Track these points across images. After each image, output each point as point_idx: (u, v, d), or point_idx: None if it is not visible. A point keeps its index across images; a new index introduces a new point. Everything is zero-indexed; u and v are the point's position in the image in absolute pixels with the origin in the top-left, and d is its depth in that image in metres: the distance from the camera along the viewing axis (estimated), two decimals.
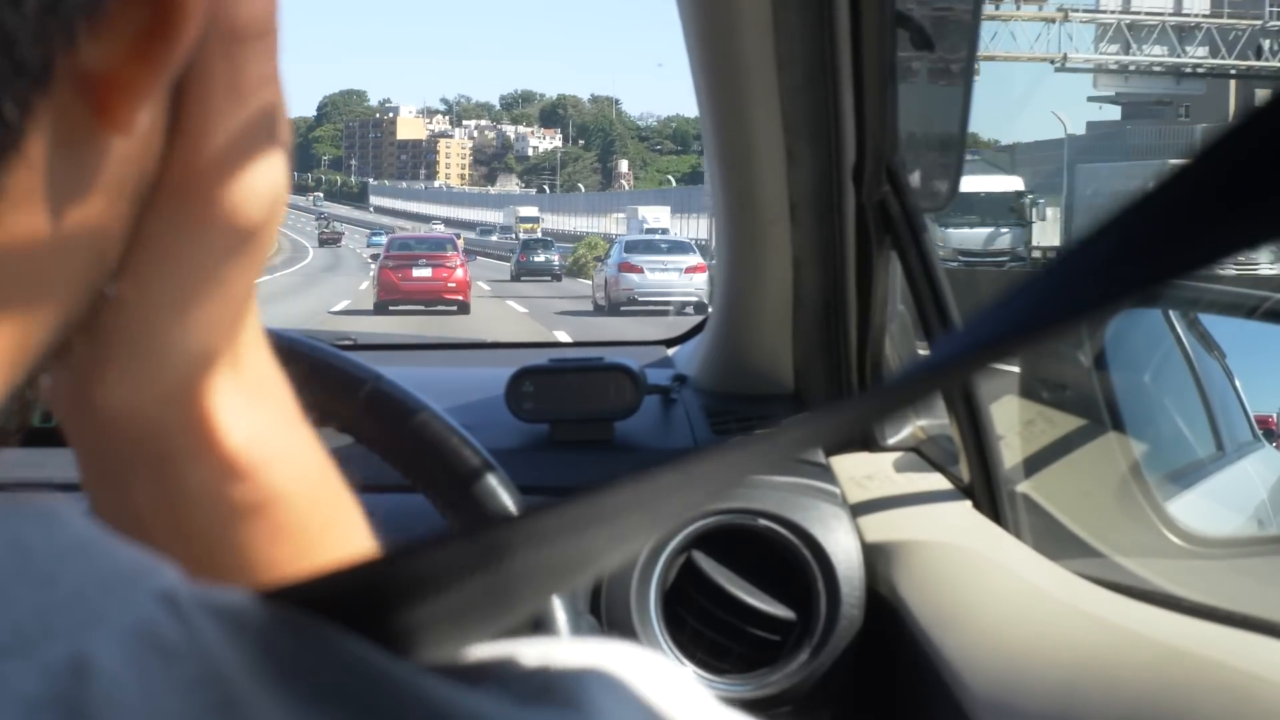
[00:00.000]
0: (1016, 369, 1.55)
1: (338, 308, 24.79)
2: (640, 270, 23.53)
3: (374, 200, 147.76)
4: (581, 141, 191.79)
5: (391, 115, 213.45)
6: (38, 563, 0.31)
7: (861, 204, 1.55)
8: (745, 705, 1.43)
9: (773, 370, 1.74)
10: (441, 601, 0.35)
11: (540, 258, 37.10)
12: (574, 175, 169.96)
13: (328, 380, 1.02)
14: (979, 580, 1.26)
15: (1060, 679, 1.00)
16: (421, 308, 24.05)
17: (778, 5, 1.39)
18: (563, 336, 16.50)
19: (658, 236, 30.53)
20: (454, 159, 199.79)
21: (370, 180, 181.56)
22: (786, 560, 1.45)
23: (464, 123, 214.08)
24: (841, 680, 1.42)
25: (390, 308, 24.00)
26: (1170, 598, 1.04)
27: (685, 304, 22.31)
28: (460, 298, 24.60)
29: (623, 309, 22.99)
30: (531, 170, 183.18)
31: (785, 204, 1.59)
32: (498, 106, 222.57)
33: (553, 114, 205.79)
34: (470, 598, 0.36)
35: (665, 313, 21.56)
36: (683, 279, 23.25)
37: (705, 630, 1.44)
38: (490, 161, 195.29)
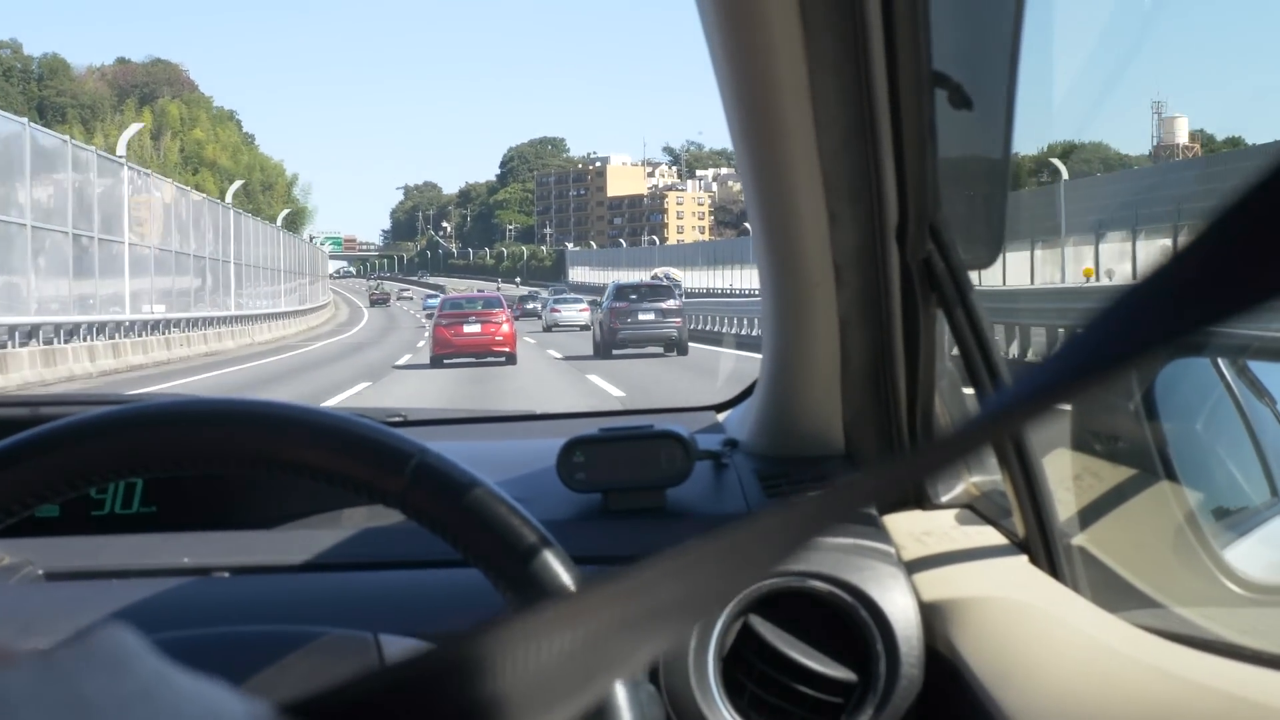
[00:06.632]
0: (1068, 421, 1.54)
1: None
2: (559, 310, 46.31)
3: (573, 273, 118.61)
4: None
5: (599, 165, 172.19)
6: (98, 718, 0.32)
7: (906, 263, 1.56)
8: None
9: (823, 432, 1.74)
10: (507, 684, 0.35)
11: (529, 305, 62.12)
12: None
13: (376, 455, 1.03)
14: (1038, 635, 1.25)
15: None
16: (473, 359, 26.72)
17: (814, 69, 1.41)
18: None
19: (567, 294, 57.30)
20: (689, 218, 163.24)
21: (570, 246, 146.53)
22: (844, 621, 1.45)
23: (697, 174, 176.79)
24: None
25: (445, 360, 26.77)
26: (1232, 646, 1.02)
27: (583, 327, 40.04)
28: (508, 349, 27.23)
29: (552, 329, 43.96)
30: None
31: (829, 265, 1.59)
32: None
33: None
34: (531, 680, 0.36)
35: (572, 330, 41.92)
36: (579, 314, 43.82)
37: (765, 695, 1.43)
38: (739, 221, 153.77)
